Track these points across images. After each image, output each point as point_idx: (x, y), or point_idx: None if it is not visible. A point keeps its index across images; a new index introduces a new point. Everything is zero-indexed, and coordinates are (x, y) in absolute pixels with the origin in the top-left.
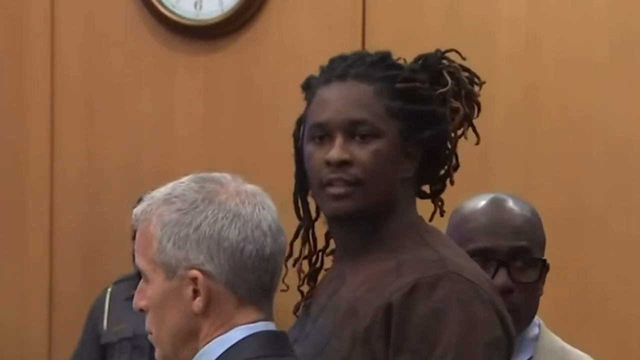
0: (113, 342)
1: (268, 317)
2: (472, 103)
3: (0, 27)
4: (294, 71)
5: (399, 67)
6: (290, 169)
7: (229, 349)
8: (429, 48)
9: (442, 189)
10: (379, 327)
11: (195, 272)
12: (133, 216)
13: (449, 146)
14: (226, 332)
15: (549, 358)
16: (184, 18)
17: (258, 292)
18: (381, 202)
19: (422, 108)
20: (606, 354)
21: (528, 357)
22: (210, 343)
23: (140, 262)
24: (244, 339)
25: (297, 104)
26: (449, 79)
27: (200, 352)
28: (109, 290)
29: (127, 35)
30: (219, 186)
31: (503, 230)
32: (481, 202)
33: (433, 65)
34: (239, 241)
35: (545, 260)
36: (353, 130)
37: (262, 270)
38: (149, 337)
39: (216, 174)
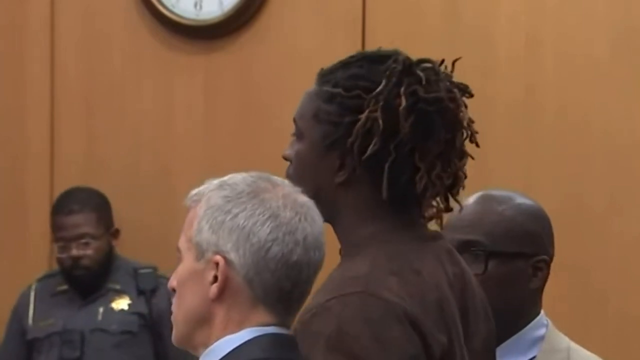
0: (40, 337)
1: (282, 324)
2: (391, 114)
3: (0, 27)
4: (294, 71)
5: (357, 68)
6: None
7: (235, 348)
8: (429, 48)
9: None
10: (300, 346)
11: (218, 258)
12: (189, 196)
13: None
14: (238, 331)
15: (554, 358)
16: (183, 18)
17: (275, 295)
18: (317, 204)
19: (329, 111)
20: (606, 353)
21: (531, 357)
22: (221, 340)
23: (181, 240)
24: (251, 339)
25: (296, 104)
26: (382, 87)
27: (211, 347)
28: (33, 287)
29: (127, 35)
30: (270, 186)
31: (455, 224)
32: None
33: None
34: (267, 240)
35: (490, 253)
36: None
37: (283, 275)
38: (172, 317)
39: (276, 177)
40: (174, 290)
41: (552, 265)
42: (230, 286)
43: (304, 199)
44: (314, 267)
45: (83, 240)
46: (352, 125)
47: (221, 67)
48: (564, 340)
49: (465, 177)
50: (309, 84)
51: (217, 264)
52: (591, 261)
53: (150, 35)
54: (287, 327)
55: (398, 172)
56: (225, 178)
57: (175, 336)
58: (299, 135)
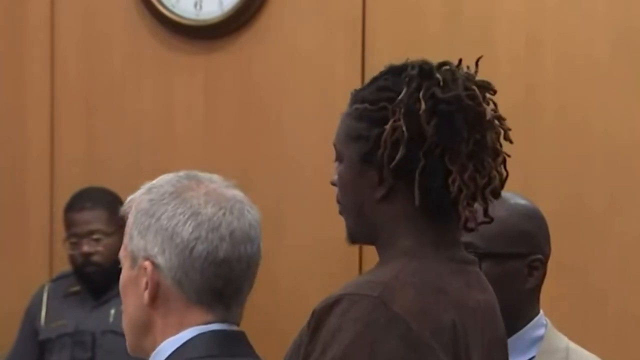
0: (52, 337)
1: (225, 320)
2: (414, 120)
3: (0, 27)
4: (294, 71)
5: (381, 84)
6: (289, 169)
7: (177, 349)
8: (428, 49)
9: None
10: (305, 333)
11: (147, 263)
12: (125, 203)
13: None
14: (178, 332)
15: (553, 358)
16: (183, 18)
17: (208, 295)
18: (359, 224)
19: (359, 127)
20: (606, 353)
21: (530, 357)
22: (164, 342)
23: (121, 249)
24: (193, 337)
25: (297, 104)
26: (403, 94)
27: (155, 351)
28: (46, 287)
29: (127, 35)
30: (194, 184)
31: None
32: None
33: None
34: (190, 240)
35: (483, 255)
36: None
37: (211, 274)
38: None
39: (205, 174)
40: None
41: (552, 265)
42: (162, 290)
43: (232, 192)
44: (247, 261)
45: (94, 237)
46: (380, 137)
47: (221, 67)
48: (563, 340)
49: (507, 175)
50: (309, 84)
51: (145, 269)
52: (591, 261)
53: (150, 35)
54: (232, 321)
55: (430, 178)
56: (154, 180)
57: (127, 345)
58: (338, 158)
